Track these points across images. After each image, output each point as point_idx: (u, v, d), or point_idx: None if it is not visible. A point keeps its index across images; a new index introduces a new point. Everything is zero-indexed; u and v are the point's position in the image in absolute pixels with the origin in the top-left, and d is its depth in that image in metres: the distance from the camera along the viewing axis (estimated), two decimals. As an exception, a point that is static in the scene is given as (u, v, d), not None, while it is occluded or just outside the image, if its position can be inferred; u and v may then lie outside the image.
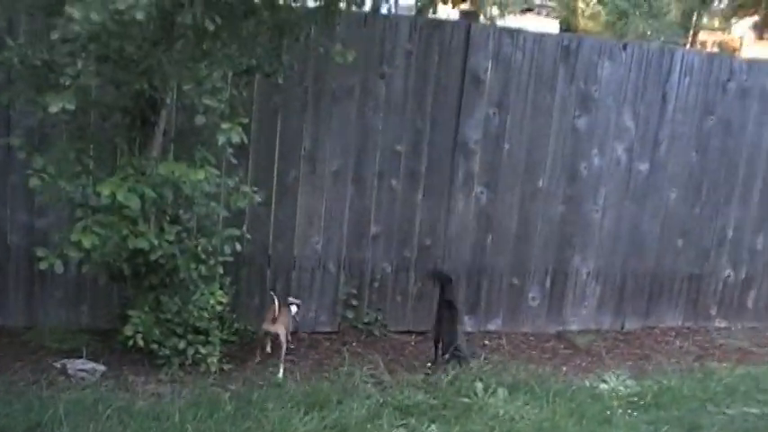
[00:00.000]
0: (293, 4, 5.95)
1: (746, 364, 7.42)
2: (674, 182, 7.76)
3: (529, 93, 7.13)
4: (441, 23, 7.00)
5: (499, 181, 7.21)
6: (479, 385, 6.13)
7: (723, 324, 8.35)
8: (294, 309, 6.60)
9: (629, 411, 6.09)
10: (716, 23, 29.05)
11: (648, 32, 11.68)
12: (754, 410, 6.37)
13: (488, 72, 6.99)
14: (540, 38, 7.25)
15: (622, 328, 7.94)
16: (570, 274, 7.63)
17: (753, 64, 8.01)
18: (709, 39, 25.39)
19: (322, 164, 6.78)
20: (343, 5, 6.10)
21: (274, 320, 6.19)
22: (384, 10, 6.41)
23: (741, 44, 26.20)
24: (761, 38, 30.75)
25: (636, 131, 7.52)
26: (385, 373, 6.33)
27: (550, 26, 17.13)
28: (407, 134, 6.92)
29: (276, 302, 6.14)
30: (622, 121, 7.46)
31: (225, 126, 5.05)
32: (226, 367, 6.07)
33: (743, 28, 31.21)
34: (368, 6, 6.27)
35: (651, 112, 7.54)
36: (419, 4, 6.69)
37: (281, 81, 6.32)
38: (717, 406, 6.37)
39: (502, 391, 6.08)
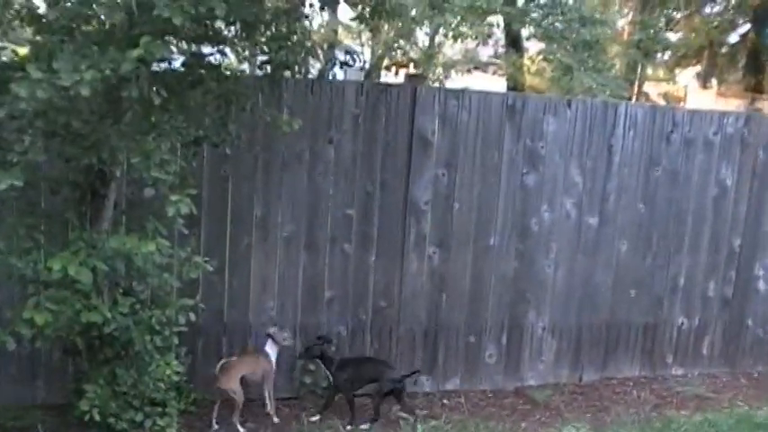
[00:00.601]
0: (239, 74, 6.10)
1: (704, 410, 7.56)
2: (623, 234, 7.92)
3: (476, 152, 7.27)
4: (387, 87, 7.15)
5: (451, 240, 7.32)
6: (439, 446, 6.23)
7: (680, 372, 8.46)
8: (272, 350, 6.64)
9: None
10: (660, 74, 29.63)
11: (594, 86, 11.94)
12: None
13: (435, 133, 7.13)
14: (485, 97, 7.42)
15: (580, 380, 8.02)
16: (526, 329, 7.73)
17: (695, 114, 8.23)
18: (654, 90, 25.89)
19: (274, 230, 6.87)
20: (287, 74, 6.25)
21: (226, 372, 6.25)
22: (330, 76, 6.56)
23: (686, 94, 26.73)
24: (704, 87, 31.43)
25: (584, 186, 7.68)
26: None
27: (498, 84, 17.45)
28: (358, 197, 7.03)
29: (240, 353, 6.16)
30: (570, 176, 7.62)
31: (174, 198, 5.12)
32: (184, 438, 6.09)
33: (687, 78, 31.89)
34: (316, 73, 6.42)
35: (598, 165, 7.71)
36: (364, 70, 6.85)
37: (228, 151, 6.44)
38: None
39: (464, 451, 6.20)
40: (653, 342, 8.30)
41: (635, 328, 8.18)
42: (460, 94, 7.41)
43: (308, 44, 6.39)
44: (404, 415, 6.80)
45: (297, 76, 6.39)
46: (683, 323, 8.36)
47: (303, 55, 6.29)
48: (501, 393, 7.63)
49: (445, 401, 7.36)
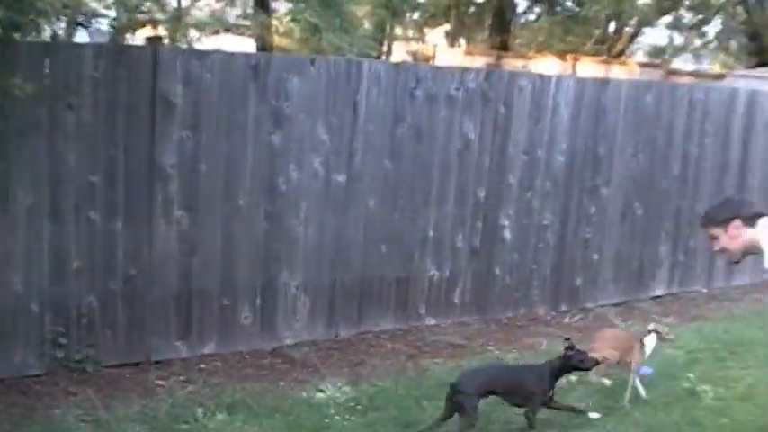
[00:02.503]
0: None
1: (458, 358, 8.12)
2: (372, 190, 8.34)
3: (221, 113, 7.45)
4: (126, 49, 7.23)
5: (199, 203, 7.49)
6: (199, 410, 6.45)
7: (433, 322, 9.01)
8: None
9: (347, 417, 6.58)
10: (410, 34, 30.55)
11: (342, 46, 12.32)
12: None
13: (179, 95, 7.25)
14: (229, 57, 7.63)
15: (336, 336, 8.40)
16: (279, 289, 8.01)
17: (437, 71, 8.76)
18: (403, 49, 26.68)
19: (15, 202, 6.77)
20: (17, 36, 6.17)
21: None
22: (71, 38, 6.51)
23: (435, 53, 27.72)
24: (453, 45, 32.69)
25: (331, 144, 8.03)
26: (101, 409, 6.46)
27: (248, 45, 17.57)
28: (102, 164, 7.04)
29: None
30: (317, 134, 7.94)
31: None
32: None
33: (436, 37, 33.03)
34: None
35: (344, 123, 8.07)
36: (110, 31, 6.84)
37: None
38: (431, 401, 6.91)
39: (221, 414, 6.44)
40: (406, 295, 8.80)
41: (387, 282, 8.64)
42: (204, 55, 7.58)
43: (41, 4, 6.34)
44: None
45: (30, 38, 6.31)
46: (434, 275, 8.91)
47: (36, 16, 6.24)
48: (258, 354, 7.88)
49: (202, 366, 7.53)
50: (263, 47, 15.99)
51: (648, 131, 10.37)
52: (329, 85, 7.95)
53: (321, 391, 7.05)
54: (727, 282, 11.57)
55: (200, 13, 19.31)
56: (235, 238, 7.72)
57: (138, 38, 13.87)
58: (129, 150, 7.15)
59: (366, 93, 8.15)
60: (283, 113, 7.74)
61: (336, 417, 6.55)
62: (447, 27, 32.31)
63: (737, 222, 5.57)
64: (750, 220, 5.56)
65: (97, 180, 7.05)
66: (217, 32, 17.23)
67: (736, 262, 5.62)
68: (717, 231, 5.54)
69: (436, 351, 8.33)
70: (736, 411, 7.02)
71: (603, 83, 10.27)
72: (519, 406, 6.39)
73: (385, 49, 19.91)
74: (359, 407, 6.75)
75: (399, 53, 22.98)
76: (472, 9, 31.67)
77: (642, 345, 7.12)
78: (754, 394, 7.40)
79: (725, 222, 5.55)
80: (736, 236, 5.55)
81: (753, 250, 5.42)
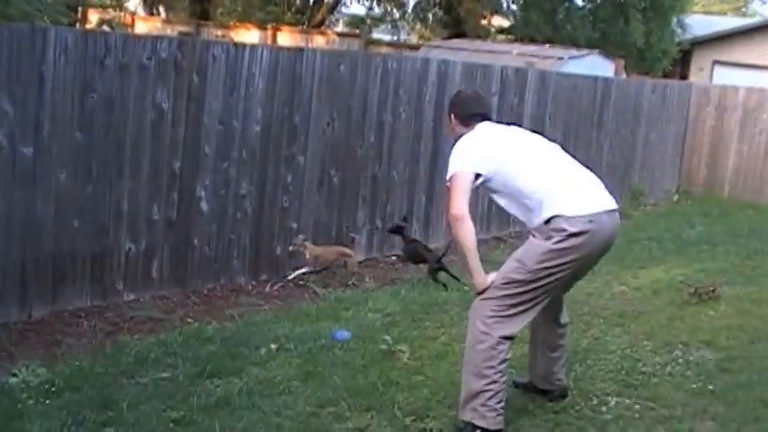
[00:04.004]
0: None
1: (157, 332, 8.05)
2: (62, 163, 8.05)
3: None
4: None
5: None
6: None
7: (131, 297, 8.84)
8: None
9: (42, 400, 6.35)
10: (107, 1, 29.88)
11: (34, 12, 11.76)
12: (164, 374, 6.99)
13: None
14: None
15: (30, 317, 8.08)
16: (-38, 268, 7.60)
17: (129, 39, 8.58)
18: (100, 17, 26.09)
19: None
20: None
21: None
22: None
23: (134, 21, 27.32)
24: (152, 14, 32.28)
25: (16, 115, 7.68)
26: None
27: None
28: None
29: None
30: (0, 105, 7.59)
31: None
32: None
33: (135, 5, 32.53)
34: None
35: (29, 93, 7.73)
36: None
37: None
38: (130, 377, 6.88)
39: None
40: (102, 270, 8.57)
41: (82, 258, 8.40)
42: None
43: None
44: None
45: None
46: (130, 249, 8.75)
47: None
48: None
49: None
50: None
51: (344, 100, 10.62)
52: (11, 54, 7.59)
53: (14, 375, 6.74)
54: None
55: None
56: None
57: None
58: None
59: (53, 61, 7.85)
60: (-40, 83, 7.33)
61: (30, 401, 6.32)
62: (140, -5, 31.80)
63: (452, 116, 6.17)
64: (466, 120, 6.13)
65: None
66: None
67: None
68: (447, 120, 6.38)
69: (135, 326, 8.22)
70: (432, 369, 7.40)
71: (298, 52, 10.40)
72: None
73: (80, 17, 19.29)
74: (54, 389, 6.54)
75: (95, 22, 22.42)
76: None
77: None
78: (448, 352, 7.81)
79: (448, 114, 6.38)
80: (452, 128, 6.18)
81: None
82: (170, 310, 8.72)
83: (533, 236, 6.09)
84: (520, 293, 6.02)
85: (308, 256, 9.91)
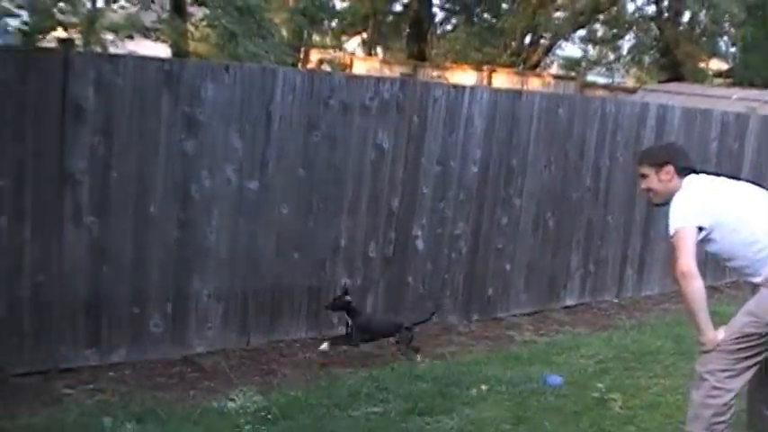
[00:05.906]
0: None
1: (369, 367, 8.18)
2: (284, 198, 8.38)
3: (134, 119, 7.43)
4: (36, 51, 7.16)
5: (110, 210, 7.44)
6: (107, 420, 6.42)
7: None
8: None
9: (258, 426, 6.59)
10: (327, 42, 30.78)
11: (259, 53, 12.38)
12: (376, 409, 7.11)
13: (90, 100, 7.21)
14: (141, 62, 7.62)
15: (248, 345, 8.41)
16: (191, 297, 8.00)
17: (351, 80, 8.84)
18: (320, 57, 26.92)
19: None
20: None
21: None
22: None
23: (352, 61, 28.01)
24: (370, 54, 33.02)
25: (244, 151, 8.06)
26: (3, 418, 6.40)
27: (163, 51, 17.52)
28: (9, 169, 6.97)
29: None
30: (230, 141, 7.96)
31: None
32: None
33: (353, 45, 33.36)
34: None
35: (257, 131, 8.10)
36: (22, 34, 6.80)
37: None
38: (342, 410, 7.02)
39: (130, 424, 6.42)
40: (318, 303, 8.81)
41: (299, 291, 8.69)
42: (116, 59, 7.57)
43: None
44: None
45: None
46: (345, 283, 8.95)
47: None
48: (169, 363, 7.87)
49: (111, 374, 7.49)
50: (178, 52, 15.97)
51: (561, 143, 10.60)
52: (243, 92, 7.98)
53: (232, 400, 7.04)
54: (637, 292, 11.88)
55: (114, 15, 19.24)
56: (146, 245, 7.68)
57: (50, 40, 13.75)
58: (39, 155, 7.08)
59: (281, 100, 8.20)
60: (196, 120, 7.74)
61: (247, 426, 6.57)
62: (364, 36, 32.61)
63: (670, 168, 5.95)
64: (682, 172, 5.96)
65: (4, 185, 6.98)
66: (131, 37, 17.20)
67: (656, 205, 6.01)
68: (648, 171, 6.01)
69: (348, 360, 8.37)
70: (644, 420, 7.25)
71: (517, 94, 10.47)
72: None
73: (302, 56, 20.04)
74: (269, 416, 6.77)
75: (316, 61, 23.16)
76: (390, 18, 32.04)
77: None
78: (661, 403, 7.63)
79: (660, 165, 5.96)
80: (666, 180, 5.96)
81: (670, 200, 5.85)
82: (382, 345, 8.83)
83: (766, 288, 5.94)
84: (753, 347, 5.90)
85: None
